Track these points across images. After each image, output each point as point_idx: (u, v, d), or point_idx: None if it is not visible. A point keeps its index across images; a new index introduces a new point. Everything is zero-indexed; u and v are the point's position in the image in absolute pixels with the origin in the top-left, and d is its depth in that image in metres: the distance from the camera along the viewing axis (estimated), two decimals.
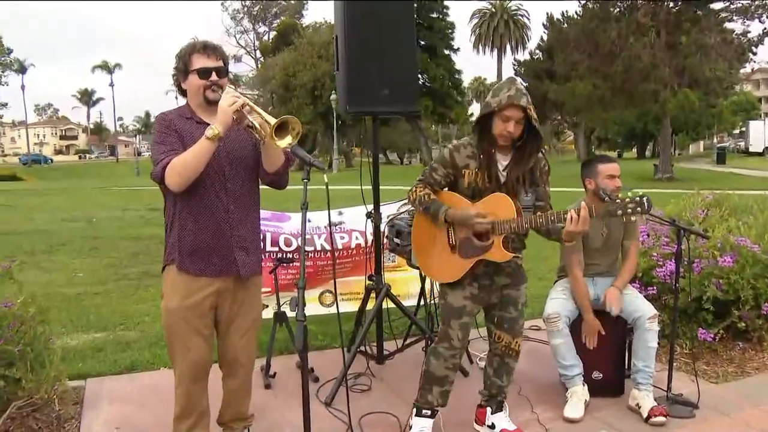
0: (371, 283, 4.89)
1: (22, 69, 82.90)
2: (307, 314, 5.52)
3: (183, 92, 3.26)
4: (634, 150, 70.63)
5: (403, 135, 55.35)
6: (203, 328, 3.23)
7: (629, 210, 3.17)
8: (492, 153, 3.50)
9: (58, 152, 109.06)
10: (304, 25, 67.11)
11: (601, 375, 4.41)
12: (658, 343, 4.26)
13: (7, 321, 4.14)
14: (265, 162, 3.19)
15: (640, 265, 5.15)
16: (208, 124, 3.06)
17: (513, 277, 3.67)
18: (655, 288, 5.18)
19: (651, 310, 4.25)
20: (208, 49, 3.16)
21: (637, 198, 3.18)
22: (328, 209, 2.87)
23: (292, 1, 78.87)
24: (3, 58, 67.07)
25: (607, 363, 4.40)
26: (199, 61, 3.14)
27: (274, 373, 4.78)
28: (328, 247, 5.48)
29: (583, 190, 4.37)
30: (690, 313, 5.14)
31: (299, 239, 5.43)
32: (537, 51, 52.57)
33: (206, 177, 3.07)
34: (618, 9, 30.04)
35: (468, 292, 3.59)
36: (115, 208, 20.00)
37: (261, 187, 3.38)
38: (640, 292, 4.62)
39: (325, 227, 5.63)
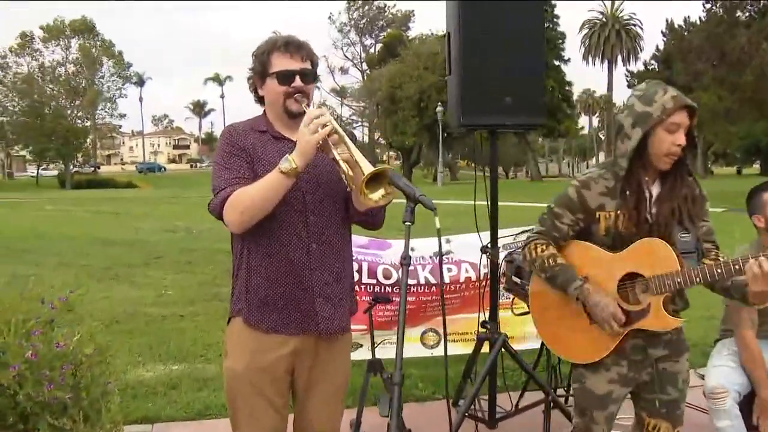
0: (484, 331, 4.07)
1: (140, 82, 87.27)
2: (406, 356, 4.93)
3: (260, 99, 2.62)
4: (755, 166, 66.32)
5: (509, 148, 54.23)
6: (276, 397, 2.57)
7: None
8: (643, 187, 2.65)
9: (171, 161, 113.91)
10: (410, 37, 67.07)
11: None
12: None
13: (60, 363, 3.59)
14: (354, 199, 2.50)
15: None
16: (287, 139, 2.46)
17: (672, 346, 2.75)
18: None
19: None
20: (291, 46, 2.49)
21: None
22: (440, 257, 2.10)
23: (399, 14, 79.28)
24: (123, 72, 70.44)
25: None
26: (280, 62, 2.48)
27: None
28: (433, 280, 4.83)
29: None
30: None
31: (399, 271, 4.80)
32: (652, 61, 50.20)
33: (281, 207, 2.41)
34: (748, 13, 27.78)
35: (614, 374, 2.71)
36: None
37: None
38: None
39: (431, 257, 4.95)
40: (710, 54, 27.98)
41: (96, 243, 14.50)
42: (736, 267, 2.45)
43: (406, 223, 1.97)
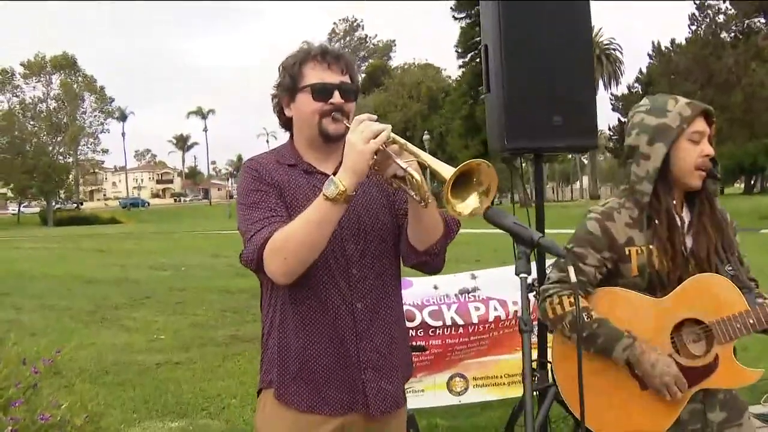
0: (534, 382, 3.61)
1: (123, 117, 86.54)
2: (433, 405, 4.34)
3: (287, 123, 2.13)
4: (736, 185, 66.83)
5: (497, 173, 54.83)
6: None
7: None
8: (673, 214, 2.23)
9: (155, 196, 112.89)
10: (392, 67, 67.33)
11: None
12: None
13: None
14: (413, 234, 1.99)
15: None
16: (324, 174, 1.96)
17: (729, 406, 2.27)
18: None
19: None
20: (329, 56, 2.03)
21: None
22: (578, 314, 1.65)
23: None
24: (106, 107, 69.97)
25: None
26: (315, 74, 2.01)
27: None
28: (460, 321, 4.42)
29: None
30: None
31: (424, 311, 4.41)
32: (635, 84, 50.40)
33: (318, 259, 1.92)
34: (733, 33, 27.82)
35: None
36: (206, 255, 19.50)
37: None
38: None
39: (456, 296, 4.57)
40: (698, 75, 27.97)
41: (80, 282, 13.92)
42: None
43: (521, 276, 1.49)
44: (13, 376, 3.26)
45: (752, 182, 62.54)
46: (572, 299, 2.20)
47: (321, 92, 1.99)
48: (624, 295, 2.23)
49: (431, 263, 2.06)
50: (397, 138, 1.83)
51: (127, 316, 9.93)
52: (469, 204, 1.67)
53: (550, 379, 3.64)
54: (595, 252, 2.24)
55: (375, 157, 1.79)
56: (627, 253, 2.22)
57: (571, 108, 3.21)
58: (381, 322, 2.05)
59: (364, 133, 1.78)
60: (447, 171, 1.62)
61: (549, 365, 3.66)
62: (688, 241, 2.24)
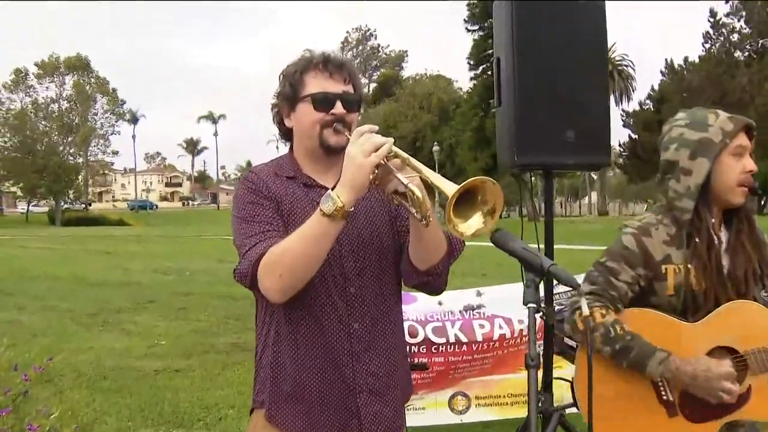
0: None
1: (134, 119, 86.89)
2: (434, 423, 4.08)
3: (287, 133, 2.04)
4: None
5: (503, 187, 55.10)
6: None
7: None
8: (712, 233, 2.15)
9: (164, 198, 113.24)
10: (404, 77, 67.50)
11: None
12: None
13: None
14: (414, 252, 1.90)
15: None
16: (323, 187, 1.88)
17: None
18: None
19: None
20: (331, 65, 1.95)
21: None
22: (590, 351, 1.56)
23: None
24: (117, 109, 70.27)
25: None
26: (317, 83, 1.93)
27: None
28: (464, 339, 4.33)
29: None
30: None
31: (427, 327, 4.33)
32: (647, 101, 50.23)
33: (314, 276, 1.84)
34: (747, 53, 27.74)
35: None
36: (211, 259, 19.42)
37: None
38: None
39: (461, 312, 4.49)
40: (711, 94, 27.87)
41: (83, 284, 13.84)
42: None
43: (530, 305, 1.39)
44: (3, 383, 3.18)
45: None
46: (603, 311, 2.13)
47: (322, 102, 1.91)
48: (656, 317, 2.14)
49: (433, 284, 1.97)
50: (399, 152, 1.73)
51: (128, 320, 9.83)
52: (472, 224, 1.58)
53: (570, 396, 3.54)
54: (630, 268, 2.16)
55: (375, 171, 1.71)
56: (663, 271, 2.15)
57: (584, 124, 3.09)
58: (379, 343, 1.96)
59: (365, 146, 1.69)
60: (450, 188, 1.53)
61: (570, 383, 3.56)
62: (725, 261, 2.17)
